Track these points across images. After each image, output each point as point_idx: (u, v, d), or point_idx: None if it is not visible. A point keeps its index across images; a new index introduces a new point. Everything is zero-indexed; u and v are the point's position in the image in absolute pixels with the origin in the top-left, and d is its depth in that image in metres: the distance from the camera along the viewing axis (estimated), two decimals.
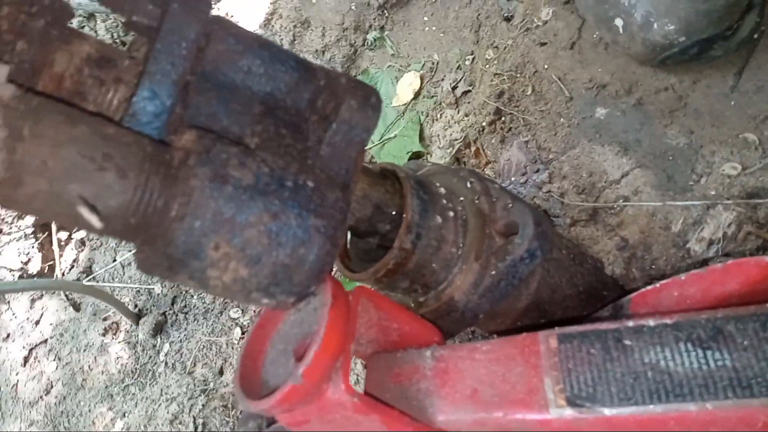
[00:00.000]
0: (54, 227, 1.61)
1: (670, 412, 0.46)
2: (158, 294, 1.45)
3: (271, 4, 1.38)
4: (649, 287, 0.65)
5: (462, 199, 0.71)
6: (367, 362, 0.59)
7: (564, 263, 0.80)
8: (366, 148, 0.56)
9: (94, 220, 0.37)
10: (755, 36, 0.88)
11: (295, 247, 0.44)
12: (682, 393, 0.47)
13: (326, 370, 0.46)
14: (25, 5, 0.41)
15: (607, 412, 0.48)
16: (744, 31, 0.87)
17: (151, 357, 1.36)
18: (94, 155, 0.39)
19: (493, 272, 0.66)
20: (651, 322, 0.52)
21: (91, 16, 1.48)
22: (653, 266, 0.89)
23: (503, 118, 1.11)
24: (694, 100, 0.92)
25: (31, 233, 1.60)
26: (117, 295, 1.44)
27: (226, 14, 1.42)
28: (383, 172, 0.69)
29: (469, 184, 0.71)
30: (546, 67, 1.08)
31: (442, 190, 0.70)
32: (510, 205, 0.68)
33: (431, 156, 1.25)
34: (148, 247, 0.43)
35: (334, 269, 0.69)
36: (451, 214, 0.68)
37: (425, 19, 1.28)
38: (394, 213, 0.66)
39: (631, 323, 0.53)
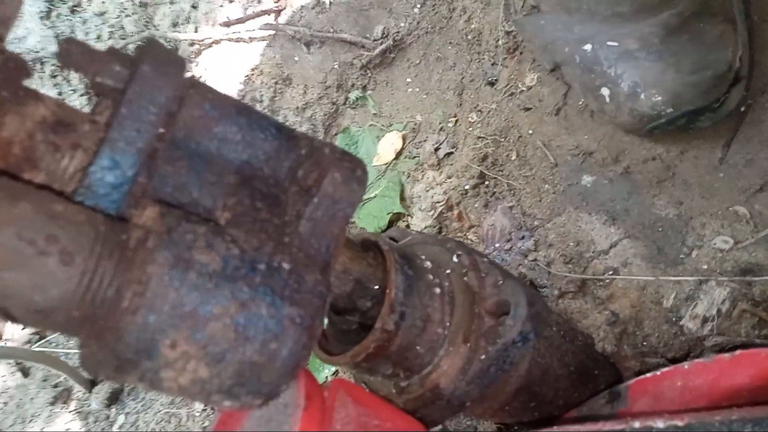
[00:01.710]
0: None
1: None
2: None
3: (252, 59, 1.35)
4: (649, 375, 0.61)
5: (449, 272, 0.67)
6: None
7: (555, 341, 0.75)
8: (349, 222, 0.51)
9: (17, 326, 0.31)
10: (742, 108, 0.88)
11: (265, 341, 0.39)
12: None
13: None
14: None
15: None
16: (731, 103, 0.87)
17: (103, 429, 1.25)
18: (35, 238, 0.33)
19: (483, 356, 0.61)
20: (660, 425, 0.47)
21: (37, 60, 1.44)
22: (645, 343, 0.85)
23: (487, 182, 1.09)
24: (683, 170, 0.91)
25: None
26: (70, 360, 1.34)
27: (206, 69, 1.39)
28: (365, 244, 0.64)
29: (456, 258, 0.67)
30: (530, 132, 1.07)
31: (428, 264, 0.65)
32: (500, 282, 0.64)
33: (412, 218, 1.21)
34: (94, 342, 0.37)
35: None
36: (438, 290, 0.63)
37: (408, 80, 1.27)
38: (376, 288, 0.61)
39: (637, 424, 0.48)
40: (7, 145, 0.39)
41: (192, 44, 1.35)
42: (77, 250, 0.35)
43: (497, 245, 1.03)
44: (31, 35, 1.45)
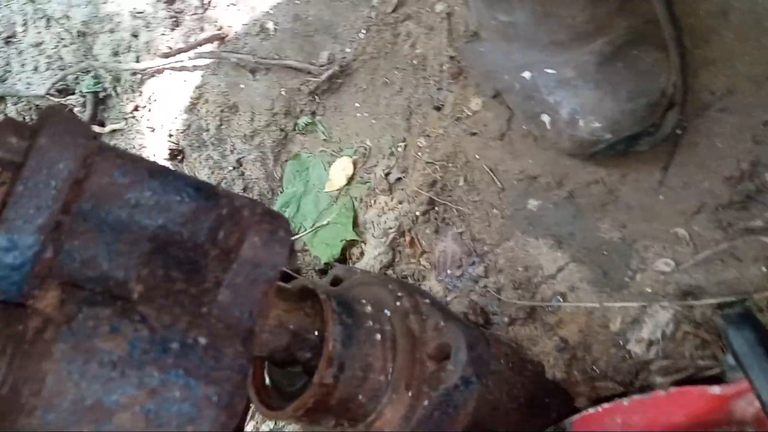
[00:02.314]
0: None
1: None
2: None
3: (196, 88, 1.33)
4: (591, 410, 0.61)
5: (390, 315, 0.66)
6: None
7: (504, 375, 0.75)
8: (277, 281, 0.49)
9: None
10: (678, 131, 0.89)
11: (180, 425, 0.37)
12: None
13: None
14: None
15: None
16: (667, 128, 0.88)
17: None
18: None
19: (426, 402, 0.60)
20: None
21: (1, 99, 1.39)
22: (594, 367, 0.85)
23: (437, 208, 1.08)
24: (625, 194, 0.92)
25: None
26: None
27: (150, 99, 1.36)
28: (302, 292, 0.63)
29: (398, 301, 0.66)
30: (477, 157, 1.07)
31: (369, 309, 0.64)
32: (442, 325, 0.63)
33: (366, 244, 1.20)
34: None
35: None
36: (378, 336, 0.62)
37: (357, 105, 1.26)
38: (315, 336, 0.59)
39: None
40: None
41: (134, 74, 1.32)
42: None
43: (449, 271, 1.03)
44: None
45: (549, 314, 0.90)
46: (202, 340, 0.40)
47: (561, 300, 0.90)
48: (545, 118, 0.92)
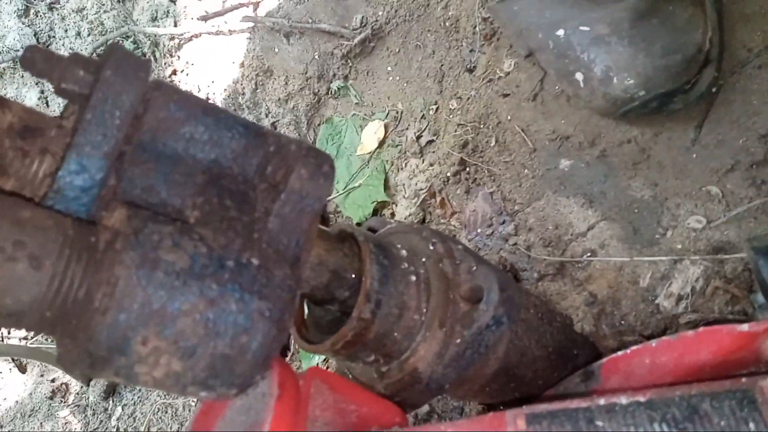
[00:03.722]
0: None
1: None
2: None
3: (232, 52, 1.35)
4: (620, 353, 0.62)
5: (424, 260, 0.68)
6: None
7: (533, 324, 0.77)
8: (320, 215, 0.52)
9: None
10: (713, 89, 0.89)
11: (235, 335, 0.40)
12: None
13: None
14: None
15: None
16: (702, 85, 0.88)
17: (102, 422, 1.27)
18: (2, 244, 0.34)
19: (458, 341, 0.63)
20: (623, 400, 0.49)
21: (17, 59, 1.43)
22: (623, 322, 0.86)
23: (468, 169, 1.10)
24: (657, 152, 0.92)
25: None
26: None
27: (187, 63, 1.39)
28: (341, 235, 0.65)
29: (431, 246, 0.68)
30: (509, 118, 1.08)
31: (404, 253, 0.67)
32: (474, 269, 0.65)
33: (396, 206, 1.23)
34: (68, 341, 0.38)
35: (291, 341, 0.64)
36: (413, 278, 0.65)
37: (389, 68, 1.27)
38: (353, 277, 0.62)
39: (602, 401, 0.50)
40: None
41: (172, 38, 1.35)
42: (46, 254, 0.36)
43: (479, 230, 1.05)
44: (9, 34, 1.44)
45: (578, 270, 0.91)
46: (255, 261, 0.43)
47: (591, 257, 0.91)
48: (579, 76, 0.92)
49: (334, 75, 1.32)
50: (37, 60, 0.42)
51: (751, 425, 0.44)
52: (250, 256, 0.43)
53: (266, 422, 0.42)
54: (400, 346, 0.64)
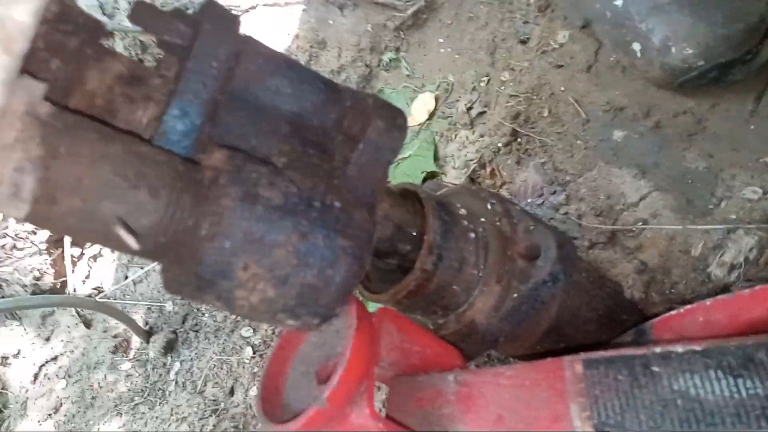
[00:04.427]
0: (67, 243, 1.61)
1: None
2: (169, 312, 1.44)
3: (288, 24, 1.39)
4: (672, 312, 0.64)
5: (483, 220, 0.71)
6: (390, 386, 0.58)
7: (584, 286, 0.79)
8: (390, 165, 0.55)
9: (132, 241, 0.37)
10: None
11: (322, 268, 0.44)
12: (713, 422, 0.46)
13: (351, 394, 0.46)
14: (60, 23, 0.42)
15: None
16: (763, 56, 0.87)
17: (161, 375, 1.35)
18: (127, 174, 0.39)
19: (515, 295, 0.65)
20: (679, 349, 0.51)
21: (111, 34, 1.50)
22: (673, 290, 0.88)
23: (519, 140, 1.11)
24: (713, 123, 0.92)
25: (45, 249, 1.61)
26: (128, 312, 1.44)
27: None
28: (404, 193, 0.68)
29: (489, 206, 0.71)
30: (562, 89, 1.09)
31: (463, 212, 0.70)
32: (532, 228, 0.68)
33: (446, 176, 1.25)
34: (176, 267, 0.43)
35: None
36: (473, 235, 0.67)
37: (440, 40, 1.29)
38: (414, 234, 0.65)
39: (658, 349, 0.52)
40: (91, 96, 0.45)
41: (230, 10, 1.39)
42: (162, 185, 0.40)
43: (529, 200, 1.07)
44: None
45: (629, 239, 0.92)
46: (337, 204, 0.47)
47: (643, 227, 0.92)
48: (636, 46, 0.92)
49: (386, 47, 1.34)
50: (143, 14, 0.46)
51: None
52: (333, 199, 0.47)
53: (347, 351, 0.46)
54: (458, 299, 0.67)
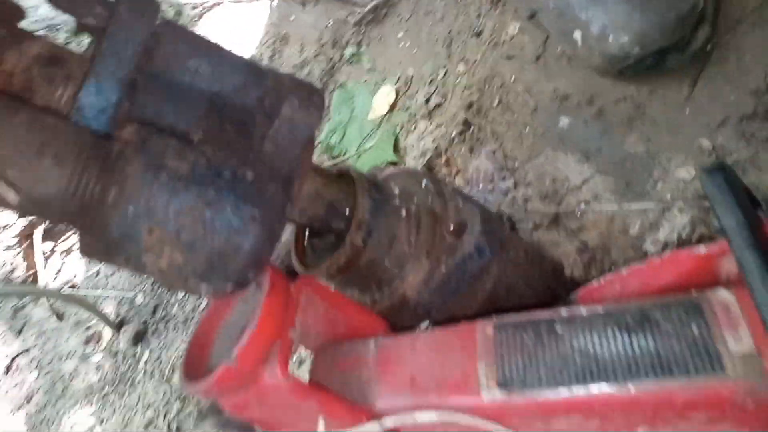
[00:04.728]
0: (38, 238, 1.63)
1: (594, 393, 0.48)
2: (140, 304, 1.46)
3: (251, 20, 1.42)
4: (594, 283, 0.67)
5: (416, 199, 0.73)
6: (315, 354, 0.61)
7: (521, 264, 0.81)
8: (313, 145, 0.58)
9: (11, 196, 0.39)
10: (708, 47, 0.91)
11: (230, 234, 0.47)
12: (606, 375, 0.48)
13: (261, 353, 0.48)
14: None
15: (536, 394, 0.49)
16: (697, 43, 0.90)
17: (131, 365, 1.37)
18: (31, 143, 0.41)
19: (443, 269, 0.68)
20: (584, 312, 0.54)
21: (52, 28, 1.52)
22: (612, 268, 0.91)
23: (472, 128, 1.14)
24: (652, 109, 0.95)
25: (16, 243, 1.62)
26: (100, 304, 1.46)
27: (208, 31, 1.46)
28: (339, 174, 0.71)
29: (423, 186, 0.74)
30: (513, 79, 1.12)
31: (397, 191, 0.72)
32: (461, 206, 0.71)
33: (405, 166, 1.28)
34: (87, 232, 0.45)
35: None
36: (404, 213, 0.70)
37: (400, 35, 1.32)
38: (347, 212, 0.68)
39: (565, 313, 0.55)
40: (8, 76, 0.47)
41: (194, 8, 1.42)
42: (67, 155, 0.42)
43: (480, 186, 1.10)
44: (42, 5, 1.53)
45: (572, 221, 0.95)
46: (249, 175, 0.49)
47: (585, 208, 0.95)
48: (577, 35, 0.95)
49: (348, 42, 1.37)
50: None
51: (695, 328, 0.49)
52: (246, 170, 0.49)
53: (257, 313, 0.48)
54: (390, 274, 0.69)
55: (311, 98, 0.55)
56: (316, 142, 1.44)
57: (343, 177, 0.70)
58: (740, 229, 0.42)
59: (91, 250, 0.45)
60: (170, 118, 0.51)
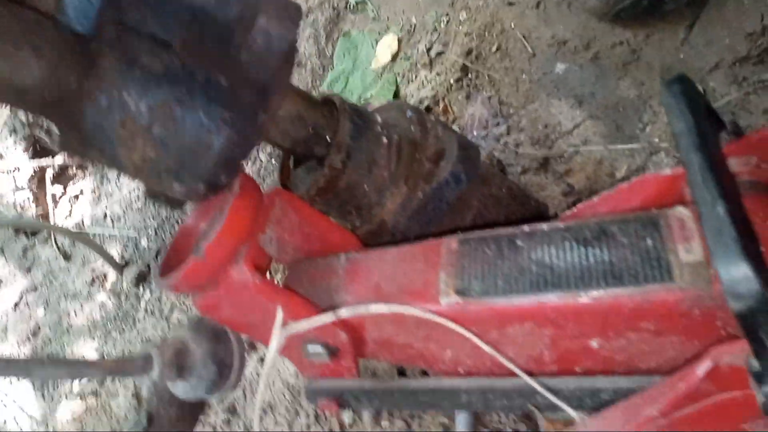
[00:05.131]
0: (48, 181, 1.67)
1: (547, 300, 0.50)
2: (144, 247, 1.50)
3: None
4: (568, 211, 0.68)
5: (399, 129, 0.75)
6: (289, 267, 0.63)
7: (503, 201, 0.83)
8: (293, 60, 0.59)
9: None
10: None
11: (200, 133, 0.48)
12: (559, 284, 0.50)
13: (229, 251, 0.50)
14: None
15: (491, 300, 0.51)
16: None
17: (133, 305, 1.42)
18: (11, 33, 0.43)
19: (421, 195, 0.69)
20: (545, 227, 0.55)
21: None
22: None
23: (470, 75, 1.14)
24: (647, 53, 0.95)
25: (26, 185, 1.67)
26: (105, 247, 1.50)
27: None
28: (324, 100, 0.72)
29: (407, 116, 0.75)
30: (513, 26, 1.11)
31: (379, 119, 0.73)
32: (441, 134, 0.72)
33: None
34: (64, 125, 0.47)
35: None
36: (385, 140, 0.71)
37: None
38: (330, 138, 0.69)
39: (527, 228, 0.56)
40: None
41: None
42: (46, 47, 0.44)
43: (475, 132, 1.10)
44: None
45: (560, 164, 0.96)
46: (224, 81, 0.51)
47: (574, 152, 0.96)
48: None
49: None
50: None
51: (649, 241, 0.50)
52: (220, 76, 0.51)
53: (225, 211, 0.50)
54: (369, 199, 0.71)
55: (287, 10, 0.56)
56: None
57: (327, 103, 0.72)
58: (689, 133, 0.43)
59: (67, 142, 0.47)
60: (153, 27, 0.52)
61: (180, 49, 0.52)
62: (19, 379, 1.41)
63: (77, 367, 0.45)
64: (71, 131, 0.46)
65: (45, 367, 0.43)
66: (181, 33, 0.53)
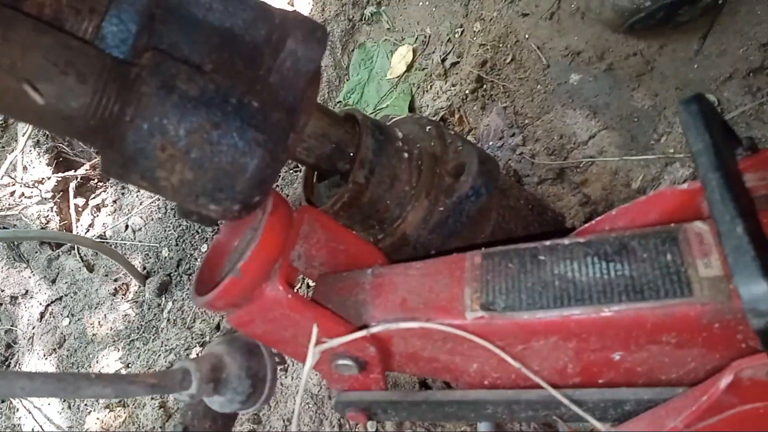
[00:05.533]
0: (71, 193, 1.71)
1: (570, 315, 0.51)
2: (165, 257, 1.53)
3: None
4: (587, 224, 0.69)
5: (419, 144, 0.77)
6: (316, 281, 0.65)
7: (521, 212, 0.84)
8: (318, 80, 0.61)
9: (38, 97, 0.44)
10: (720, 1, 0.91)
11: (235, 155, 0.51)
12: (582, 298, 0.52)
13: (263, 268, 0.52)
14: None
15: (516, 315, 0.53)
16: None
17: (155, 315, 1.45)
18: (57, 61, 0.45)
19: (441, 208, 0.71)
20: (566, 241, 0.57)
21: None
22: None
23: (485, 86, 1.16)
24: (661, 64, 0.96)
25: (50, 197, 1.71)
26: (127, 257, 1.53)
27: None
28: (346, 116, 0.75)
29: (426, 130, 0.77)
30: (527, 36, 1.13)
31: (400, 134, 0.75)
32: (461, 148, 0.74)
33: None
34: (107, 150, 0.50)
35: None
36: (406, 155, 0.73)
37: None
38: (352, 154, 0.71)
39: (548, 243, 0.58)
40: (40, 6, 0.51)
41: None
42: (89, 73, 0.47)
43: (490, 143, 1.12)
44: None
45: (576, 174, 0.97)
46: (255, 103, 0.53)
47: (590, 162, 0.97)
48: None
49: (368, 1, 1.39)
50: None
51: (668, 256, 0.51)
52: (252, 98, 0.53)
53: (260, 230, 0.52)
54: (392, 213, 0.73)
55: (315, 33, 0.58)
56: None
57: (349, 120, 0.74)
58: (707, 152, 0.45)
59: (109, 166, 0.49)
60: (185, 50, 0.55)
61: (212, 72, 0.54)
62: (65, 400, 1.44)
63: (121, 386, 0.47)
64: (113, 156, 0.49)
65: (92, 386, 0.46)
66: (212, 56, 0.55)
